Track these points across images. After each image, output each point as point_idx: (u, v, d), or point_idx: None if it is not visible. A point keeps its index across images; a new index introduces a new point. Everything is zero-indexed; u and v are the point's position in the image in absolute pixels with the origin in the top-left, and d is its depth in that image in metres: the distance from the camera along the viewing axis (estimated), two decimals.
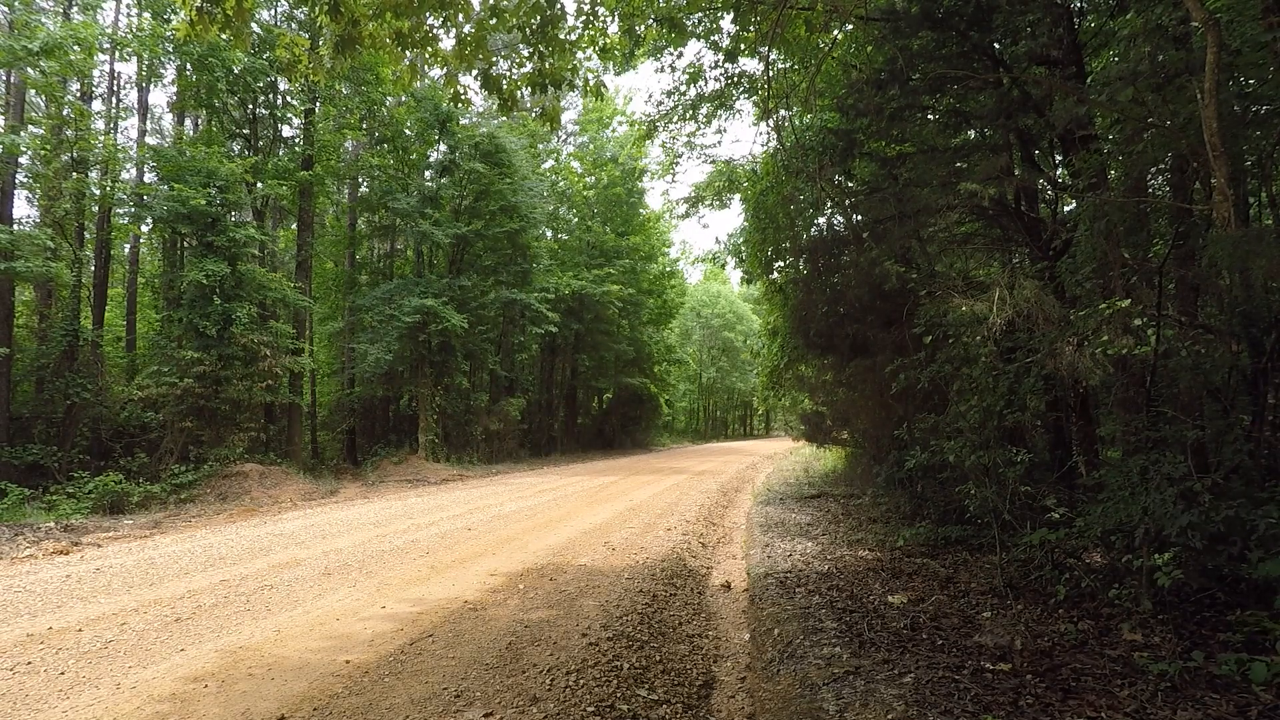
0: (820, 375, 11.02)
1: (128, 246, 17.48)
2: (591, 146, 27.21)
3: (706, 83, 10.44)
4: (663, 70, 10.35)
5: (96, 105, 15.83)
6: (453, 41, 5.66)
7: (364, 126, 17.97)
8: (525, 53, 5.72)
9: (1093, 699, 3.06)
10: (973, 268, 9.19)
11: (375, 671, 3.73)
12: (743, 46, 8.35)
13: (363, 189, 21.26)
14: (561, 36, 5.69)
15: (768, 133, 12.50)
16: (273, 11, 15.83)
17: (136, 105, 16.63)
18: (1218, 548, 3.68)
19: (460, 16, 5.43)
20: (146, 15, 14.10)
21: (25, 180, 13.62)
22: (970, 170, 6.27)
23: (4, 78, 13.65)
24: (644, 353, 29.51)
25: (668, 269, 31.81)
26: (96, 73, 15.15)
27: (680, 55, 10.00)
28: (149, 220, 14.29)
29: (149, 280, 17.79)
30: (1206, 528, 3.61)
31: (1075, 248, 5.86)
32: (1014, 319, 4.97)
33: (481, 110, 19.84)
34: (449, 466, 17.08)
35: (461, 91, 5.91)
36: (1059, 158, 7.38)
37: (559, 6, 5.46)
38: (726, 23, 8.79)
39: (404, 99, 17.76)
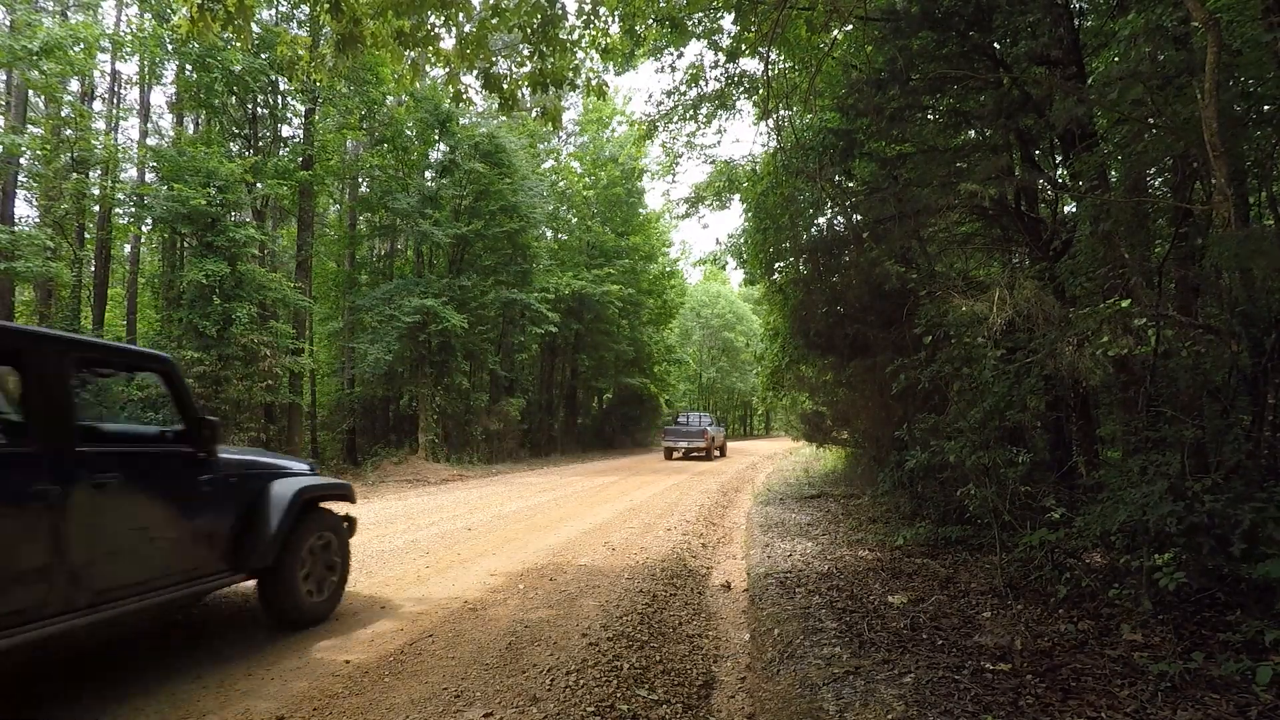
0: (820, 375, 11.02)
1: (128, 246, 17.49)
2: (591, 146, 27.20)
3: (707, 83, 10.45)
4: (663, 70, 10.38)
5: (97, 105, 15.85)
6: (454, 41, 5.66)
7: (364, 126, 17.96)
8: (526, 52, 5.72)
9: (1093, 699, 3.06)
10: (973, 268, 9.19)
11: (375, 671, 3.73)
12: (743, 46, 8.36)
13: (363, 189, 21.27)
14: (562, 36, 5.70)
15: (768, 133, 12.52)
16: (273, 11, 15.83)
17: (137, 105, 16.63)
18: (1198, 539, 3.68)
19: (461, 16, 5.43)
20: (147, 16, 14.09)
21: (25, 180, 13.62)
22: (970, 170, 6.27)
23: (4, 78, 13.66)
24: (644, 353, 29.49)
25: (668, 269, 31.80)
26: (96, 73, 15.16)
27: (681, 55, 10.02)
28: (149, 220, 14.28)
29: (149, 280, 17.79)
30: (1187, 518, 3.63)
31: (1075, 248, 5.86)
32: (1014, 319, 4.97)
33: (482, 110, 19.84)
34: (449, 466, 17.08)
35: (463, 91, 5.92)
36: (1059, 158, 7.38)
37: (560, 6, 5.47)
38: (727, 22, 8.81)
39: (404, 99, 17.76)
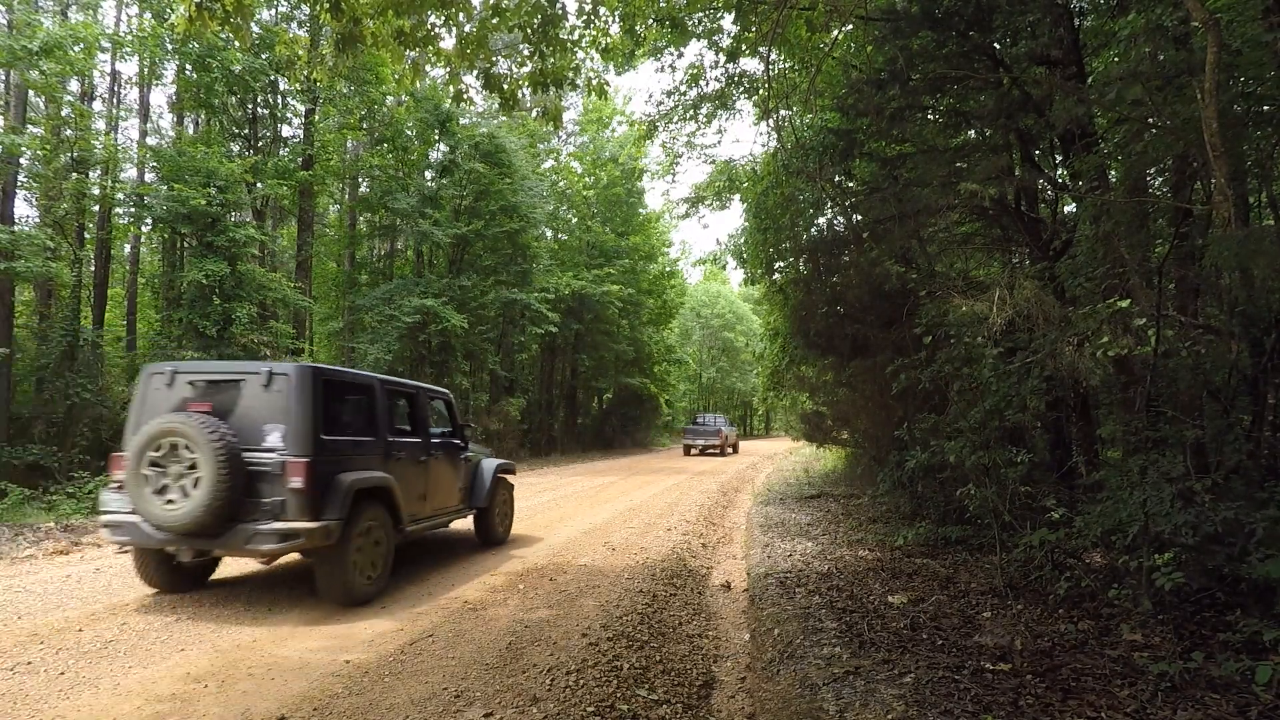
0: (820, 375, 11.03)
1: (128, 246, 17.46)
2: (591, 146, 27.20)
3: (707, 83, 10.44)
4: (663, 70, 10.36)
5: (97, 105, 15.84)
6: (454, 41, 5.66)
7: (364, 126, 17.95)
8: (526, 52, 5.72)
9: (1093, 699, 3.06)
10: (973, 268, 9.19)
11: (375, 671, 3.72)
12: (743, 46, 8.35)
13: (363, 189, 21.26)
14: (563, 36, 5.69)
15: (768, 133, 12.52)
16: (273, 11, 15.82)
17: (137, 105, 16.61)
18: (1212, 547, 3.67)
19: (461, 15, 5.43)
20: (147, 16, 14.09)
21: (25, 180, 13.60)
22: (970, 170, 6.26)
23: (4, 78, 13.65)
24: (644, 353, 29.50)
25: (668, 269, 31.81)
26: (96, 73, 15.15)
27: (681, 55, 10.01)
28: (149, 220, 14.26)
29: (149, 280, 17.76)
30: (1202, 527, 3.61)
31: (1075, 248, 5.86)
32: (1014, 319, 4.97)
33: (482, 110, 19.83)
34: None
35: (463, 91, 5.92)
36: (1059, 158, 7.38)
37: (560, 6, 5.47)
38: (727, 23, 8.80)
39: (404, 99, 17.76)
